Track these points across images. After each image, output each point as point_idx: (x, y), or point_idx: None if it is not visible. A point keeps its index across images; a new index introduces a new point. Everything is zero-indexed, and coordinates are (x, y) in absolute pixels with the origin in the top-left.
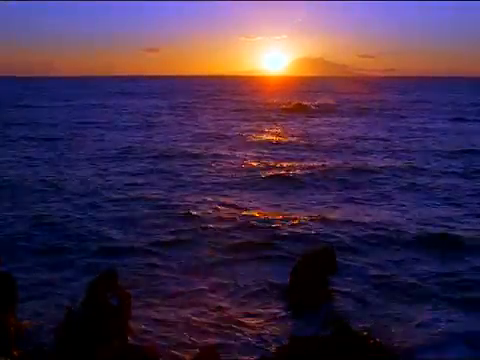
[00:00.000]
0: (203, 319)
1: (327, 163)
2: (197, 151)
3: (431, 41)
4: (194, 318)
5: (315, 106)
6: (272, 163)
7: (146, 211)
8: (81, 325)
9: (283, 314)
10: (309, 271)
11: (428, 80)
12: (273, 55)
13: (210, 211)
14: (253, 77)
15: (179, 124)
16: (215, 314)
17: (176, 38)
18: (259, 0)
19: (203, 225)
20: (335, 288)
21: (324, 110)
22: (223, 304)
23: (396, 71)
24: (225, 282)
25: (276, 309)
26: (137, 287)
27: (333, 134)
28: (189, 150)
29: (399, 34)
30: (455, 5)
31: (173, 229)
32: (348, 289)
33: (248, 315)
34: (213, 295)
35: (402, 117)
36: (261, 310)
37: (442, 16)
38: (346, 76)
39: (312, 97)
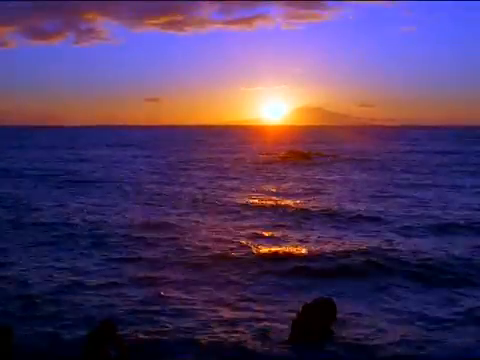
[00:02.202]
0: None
1: (323, 242)
2: (173, 221)
3: (431, 91)
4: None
5: (313, 156)
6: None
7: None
8: None
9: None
10: (310, 318)
11: (428, 129)
12: (273, 104)
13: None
14: (253, 126)
15: (161, 184)
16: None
17: (175, 88)
18: (259, 51)
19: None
20: (335, 337)
21: (323, 161)
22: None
23: (396, 121)
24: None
25: (275, 349)
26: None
27: (331, 192)
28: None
29: (398, 84)
30: (457, 51)
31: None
32: (348, 338)
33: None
34: (211, 332)
35: (406, 172)
36: (261, 350)
37: (442, 65)
38: (345, 125)
39: (310, 147)
